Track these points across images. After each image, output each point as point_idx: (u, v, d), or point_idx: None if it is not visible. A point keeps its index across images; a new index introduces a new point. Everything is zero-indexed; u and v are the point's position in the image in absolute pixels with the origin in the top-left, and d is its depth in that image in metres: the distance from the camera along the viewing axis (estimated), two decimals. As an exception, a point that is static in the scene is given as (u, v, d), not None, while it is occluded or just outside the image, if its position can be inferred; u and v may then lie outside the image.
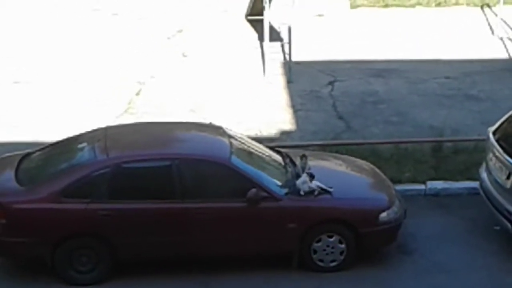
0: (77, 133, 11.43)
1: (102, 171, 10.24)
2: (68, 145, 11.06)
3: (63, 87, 15.25)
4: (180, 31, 17.62)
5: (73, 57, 16.32)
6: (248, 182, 10.29)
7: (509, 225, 10.67)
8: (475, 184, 11.89)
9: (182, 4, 18.56)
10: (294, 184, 10.52)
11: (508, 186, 10.75)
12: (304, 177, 10.49)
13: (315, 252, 10.47)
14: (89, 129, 11.39)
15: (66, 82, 15.44)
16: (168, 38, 17.37)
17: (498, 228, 11.18)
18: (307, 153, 11.16)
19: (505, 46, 17.12)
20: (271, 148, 11.51)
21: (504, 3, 17.81)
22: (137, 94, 15.15)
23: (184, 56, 16.67)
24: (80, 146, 10.82)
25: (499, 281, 10.34)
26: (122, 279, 10.32)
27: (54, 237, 10.15)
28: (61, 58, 16.32)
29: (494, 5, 18.36)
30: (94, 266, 10.27)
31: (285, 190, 10.45)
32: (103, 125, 11.66)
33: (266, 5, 15.98)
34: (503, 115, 11.78)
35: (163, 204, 10.22)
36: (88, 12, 18.25)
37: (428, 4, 18.80)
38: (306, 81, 15.73)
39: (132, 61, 16.26)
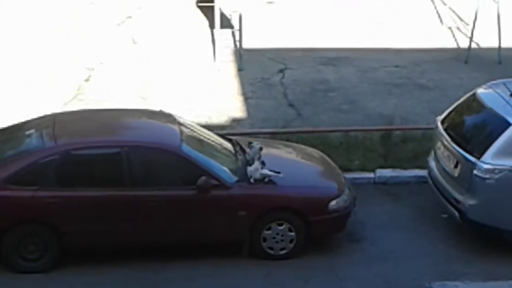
0: (24, 119, 11.28)
1: (50, 158, 10.13)
2: (15, 131, 10.91)
3: (11, 73, 15.03)
4: (130, 17, 17.46)
5: (21, 42, 16.09)
6: (198, 169, 10.25)
7: (456, 213, 10.78)
8: (423, 172, 12.00)
9: (132, -10, 18.41)
10: (245, 172, 10.51)
11: (455, 174, 10.86)
12: (257, 164, 10.48)
13: (264, 240, 10.48)
14: (37, 116, 11.24)
15: (14, 67, 15.22)
16: (118, 24, 17.20)
17: (445, 216, 11.30)
18: (259, 141, 11.15)
19: (454, 36, 17.27)
20: (222, 136, 11.48)
21: (453, -8, 17.99)
22: (86, 80, 15.00)
23: (134, 42, 16.53)
24: (27, 132, 10.68)
25: (446, 268, 10.45)
26: (71, 267, 10.22)
27: (0, 224, 10.01)
28: (9, 42, 16.07)
29: (443, -5, 18.54)
30: (42, 254, 10.16)
31: (236, 178, 10.44)
32: (51, 112, 11.53)
33: (217, -8, 15.92)
34: (451, 104, 11.91)
35: (112, 192, 10.14)
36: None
37: (378, -7, 18.91)
38: (257, 68, 15.71)
39: (82, 47, 16.08)
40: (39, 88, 14.52)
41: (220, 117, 13.87)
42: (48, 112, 11.43)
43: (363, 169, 12.49)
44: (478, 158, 10.51)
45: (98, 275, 10.13)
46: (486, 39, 16.65)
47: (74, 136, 10.57)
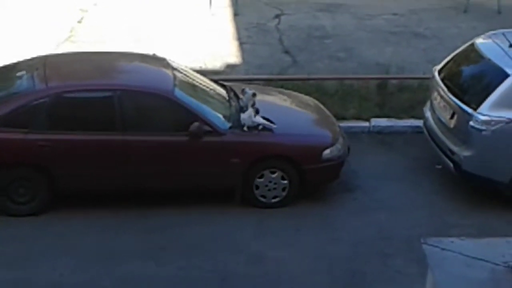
0: (15, 60, 11.10)
1: (41, 101, 9.98)
2: (5, 73, 10.74)
3: (2, 14, 14.80)
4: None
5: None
6: (191, 115, 10.12)
7: (451, 164, 10.70)
8: (419, 122, 11.90)
9: None
10: (238, 119, 10.38)
11: (451, 125, 10.76)
12: (250, 111, 10.34)
13: (257, 187, 10.39)
14: (28, 57, 11.06)
15: (6, 8, 14.99)
16: (112, -35, 16.92)
17: (440, 167, 11.22)
18: (253, 87, 11.01)
19: (453, -16, 17.05)
20: (215, 82, 11.33)
21: None
22: (79, 22, 14.79)
23: (129, -16, 16.27)
24: (18, 74, 10.51)
25: (439, 219, 10.39)
26: (60, 211, 10.14)
27: (-10, 167, 9.91)
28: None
29: None
30: (32, 197, 10.06)
31: (229, 124, 10.31)
32: (43, 53, 11.35)
33: None
34: (449, 53, 11.78)
35: (103, 136, 10.02)
36: None
37: None
38: (253, 14, 15.51)
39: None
40: (31, 29, 14.31)
41: (215, 62, 13.70)
42: (40, 54, 11.25)
43: (358, 118, 12.38)
44: (475, 109, 10.39)
45: (88, 220, 10.04)
46: (485, -11, 16.44)
47: (65, 78, 10.41)
